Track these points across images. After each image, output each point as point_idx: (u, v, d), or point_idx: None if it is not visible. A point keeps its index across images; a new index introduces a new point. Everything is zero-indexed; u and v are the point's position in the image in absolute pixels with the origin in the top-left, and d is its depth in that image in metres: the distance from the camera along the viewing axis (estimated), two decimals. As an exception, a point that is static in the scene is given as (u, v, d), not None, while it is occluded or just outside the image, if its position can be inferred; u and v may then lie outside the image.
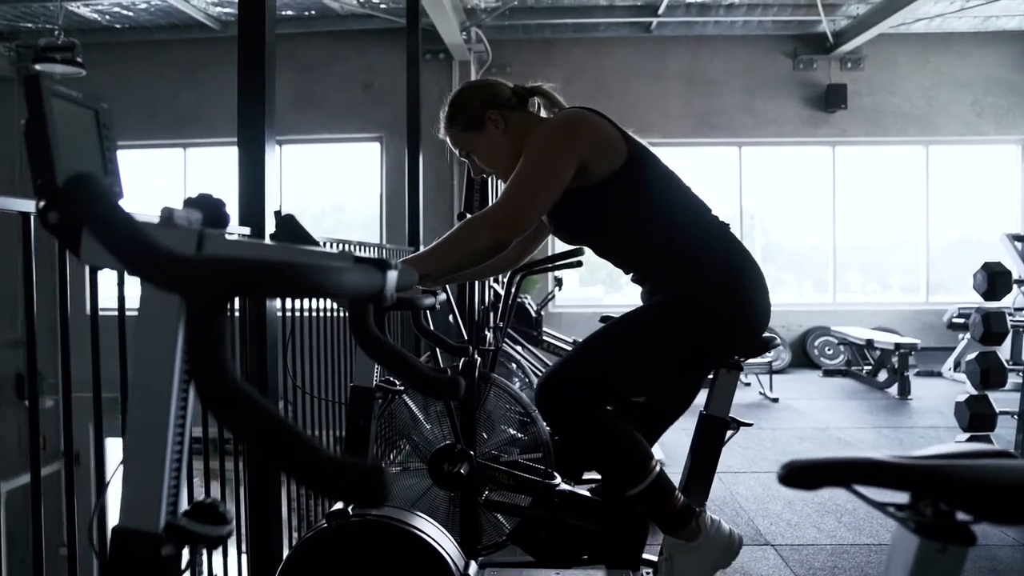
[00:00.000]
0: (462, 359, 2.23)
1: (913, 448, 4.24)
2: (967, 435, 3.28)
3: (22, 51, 7.21)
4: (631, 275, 1.80)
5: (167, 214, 0.75)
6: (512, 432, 2.64)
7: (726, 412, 1.68)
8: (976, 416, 3.29)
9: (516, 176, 1.61)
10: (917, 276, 8.18)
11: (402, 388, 1.76)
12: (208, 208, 0.82)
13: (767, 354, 1.66)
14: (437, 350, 2.86)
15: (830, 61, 7.76)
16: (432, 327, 2.19)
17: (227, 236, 0.78)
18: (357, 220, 8.20)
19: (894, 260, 8.41)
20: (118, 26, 7.30)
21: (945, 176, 8.01)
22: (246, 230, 2.04)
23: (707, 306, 1.63)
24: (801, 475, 0.73)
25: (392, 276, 0.74)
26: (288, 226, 0.97)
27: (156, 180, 8.10)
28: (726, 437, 1.70)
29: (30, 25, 6.83)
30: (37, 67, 4.92)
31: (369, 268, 0.71)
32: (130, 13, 6.96)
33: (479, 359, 2.47)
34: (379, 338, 0.95)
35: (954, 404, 3.63)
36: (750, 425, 1.71)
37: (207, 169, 8.04)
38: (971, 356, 3.50)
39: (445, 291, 2.82)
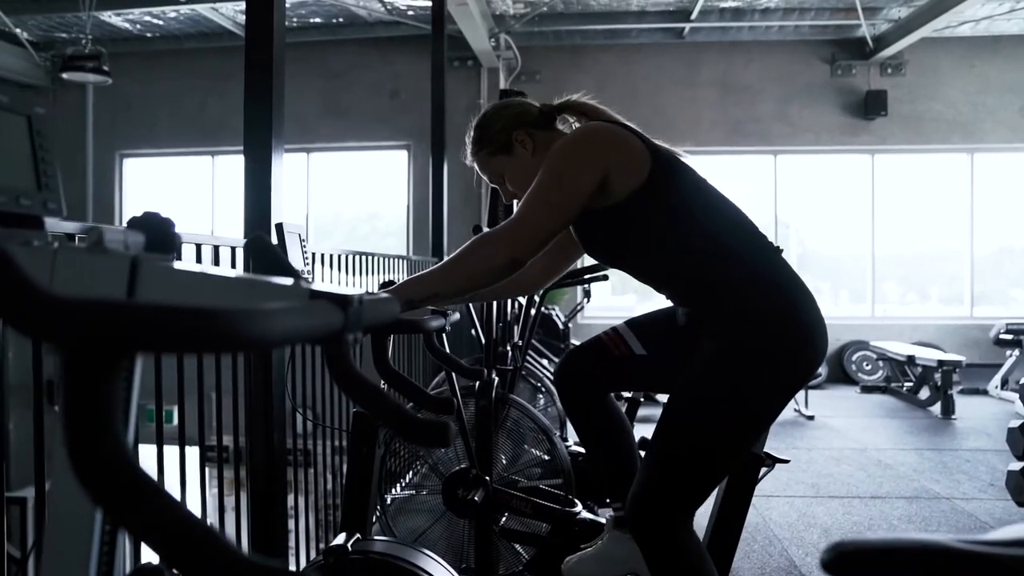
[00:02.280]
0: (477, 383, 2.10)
1: (958, 472, 4.01)
2: (1021, 464, 3.07)
3: (57, 61, 7.30)
4: (671, 298, 1.65)
5: (96, 237, 0.64)
6: (532, 455, 2.51)
7: (760, 446, 1.53)
8: (1033, 444, 3.07)
9: (532, 190, 1.49)
10: (958, 287, 7.88)
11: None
12: (152, 230, 0.71)
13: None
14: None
15: (869, 67, 7.52)
16: (449, 346, 2.07)
17: (175, 264, 0.67)
18: (392, 227, 8.16)
19: (934, 271, 8.12)
20: (148, 35, 7.37)
21: (990, 184, 7.71)
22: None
23: (769, 351, 1.44)
24: (852, 562, 0.59)
25: (356, 313, 0.62)
26: (259, 250, 0.86)
27: (185, 188, 8.15)
28: (760, 475, 1.54)
29: (64, 35, 6.91)
30: (64, 76, 4.94)
31: (323, 307, 0.59)
32: (160, 22, 7.01)
33: (497, 379, 2.35)
34: (358, 377, 0.83)
35: (1006, 429, 3.41)
36: (787, 462, 1.56)
37: (235, 177, 8.06)
38: (1025, 378, 3.28)
39: (467, 307, 2.72)
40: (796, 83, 7.63)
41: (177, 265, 0.67)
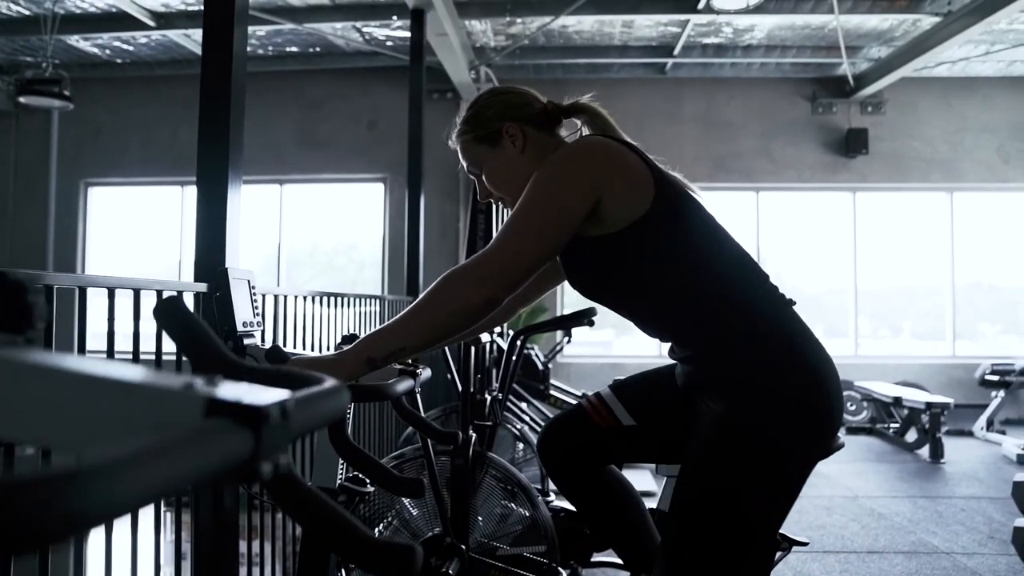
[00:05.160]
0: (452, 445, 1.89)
1: (955, 523, 3.83)
2: (1028, 520, 2.91)
3: (19, 85, 7.07)
4: (668, 343, 1.44)
5: None
6: (512, 518, 2.30)
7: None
8: (1040, 500, 2.90)
9: (515, 214, 1.28)
10: (934, 324, 7.84)
11: (372, 489, 1.43)
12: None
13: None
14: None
15: (850, 105, 7.53)
16: (423, 392, 1.87)
17: (20, 354, 0.47)
18: (369, 259, 7.95)
19: (915, 309, 8.06)
20: (118, 61, 7.16)
21: (969, 223, 7.72)
22: (202, 287, 1.74)
23: (786, 421, 1.25)
24: None
25: (276, 431, 0.43)
26: (168, 318, 0.66)
27: (153, 219, 7.89)
28: (775, 558, 1.35)
29: (29, 59, 6.68)
30: (22, 100, 4.71)
31: (219, 432, 0.40)
32: (129, 48, 6.81)
33: (475, 436, 2.14)
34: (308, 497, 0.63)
35: (1012, 483, 3.25)
36: (805, 544, 1.37)
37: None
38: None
39: (443, 350, 2.52)
40: (778, 120, 7.61)
41: (24, 354, 0.47)
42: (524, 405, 4.33)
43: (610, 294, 1.42)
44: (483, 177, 1.51)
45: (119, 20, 6.03)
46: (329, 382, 0.57)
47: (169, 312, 0.66)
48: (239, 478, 0.42)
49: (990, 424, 6.35)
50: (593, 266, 1.37)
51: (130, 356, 1.55)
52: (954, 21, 5.81)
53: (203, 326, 0.67)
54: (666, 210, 1.31)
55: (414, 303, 1.27)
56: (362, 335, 1.29)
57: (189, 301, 1.77)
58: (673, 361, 1.49)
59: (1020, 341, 7.79)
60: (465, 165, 1.54)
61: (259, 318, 1.55)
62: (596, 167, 1.30)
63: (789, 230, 7.84)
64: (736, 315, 1.31)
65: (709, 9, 5.82)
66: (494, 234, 2.86)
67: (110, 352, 1.47)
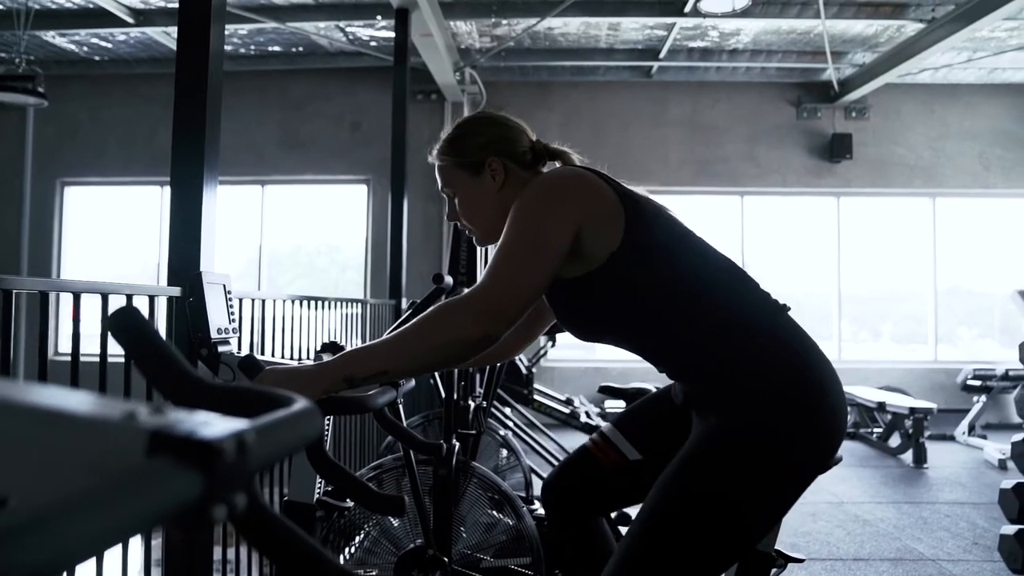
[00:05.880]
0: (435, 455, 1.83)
1: (940, 529, 3.81)
2: (1016, 528, 2.89)
3: (-6, 82, 6.92)
4: (667, 372, 1.38)
5: None
6: (496, 529, 2.24)
7: (772, 545, 1.30)
8: (1028, 508, 2.88)
9: (504, 249, 1.23)
10: (913, 328, 7.89)
11: (351, 504, 1.37)
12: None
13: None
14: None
15: (835, 110, 7.55)
16: (405, 399, 1.82)
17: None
18: (352, 261, 7.85)
19: (891, 311, 8.10)
20: (96, 58, 7.03)
21: (948, 228, 7.77)
22: (176, 291, 1.67)
23: (784, 430, 1.19)
24: None
25: (231, 469, 0.37)
26: (123, 331, 0.60)
27: (131, 219, 7.76)
28: (770, 575, 1.31)
29: (2, 55, 6.54)
30: (-6, 96, 4.61)
31: (165, 473, 0.34)
32: (108, 45, 6.68)
33: (458, 445, 2.09)
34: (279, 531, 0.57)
35: (998, 490, 3.24)
36: (801, 561, 1.32)
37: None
38: (1018, 438, 3.12)
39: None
40: (763, 124, 7.61)
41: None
42: (508, 410, 4.28)
43: (607, 333, 1.37)
44: (455, 201, 1.46)
45: (97, 16, 5.91)
46: (299, 404, 0.51)
47: (122, 323, 0.59)
48: (186, 525, 0.36)
49: (971, 429, 6.38)
50: (581, 309, 1.33)
51: (98, 361, 1.48)
52: (938, 28, 5.84)
53: (160, 339, 0.61)
54: (639, 239, 1.27)
55: (404, 327, 1.21)
56: (342, 341, 1.23)
57: (162, 306, 1.70)
58: (670, 381, 1.44)
59: (996, 345, 7.85)
60: (439, 184, 1.49)
61: (235, 324, 1.49)
62: (573, 199, 1.27)
63: (774, 234, 7.84)
64: (731, 332, 1.26)
65: (696, 13, 5.81)
66: (477, 255, 2.76)
67: (75, 360, 1.40)
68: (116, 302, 1.50)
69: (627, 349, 1.38)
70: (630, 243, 1.25)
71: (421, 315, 1.20)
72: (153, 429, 0.37)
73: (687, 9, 5.76)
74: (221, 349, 1.38)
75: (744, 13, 5.80)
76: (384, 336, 1.21)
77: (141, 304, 1.60)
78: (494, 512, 2.23)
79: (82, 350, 1.46)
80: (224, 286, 1.46)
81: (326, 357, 1.25)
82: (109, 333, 0.60)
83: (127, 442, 0.37)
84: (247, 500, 0.47)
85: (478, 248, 2.72)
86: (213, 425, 0.39)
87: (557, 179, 1.31)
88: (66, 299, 1.46)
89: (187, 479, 0.35)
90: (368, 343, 1.22)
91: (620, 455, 1.48)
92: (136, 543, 1.78)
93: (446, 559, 1.96)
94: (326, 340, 1.60)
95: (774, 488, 1.19)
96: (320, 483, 1.34)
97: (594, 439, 1.53)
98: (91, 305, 1.45)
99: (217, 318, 1.41)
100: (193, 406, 0.59)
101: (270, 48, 6.89)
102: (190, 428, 0.37)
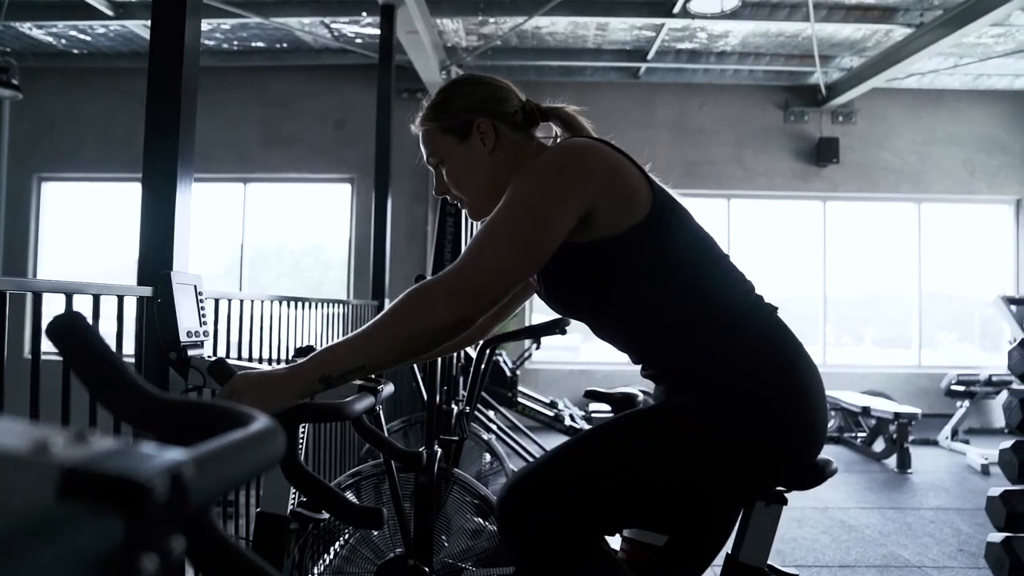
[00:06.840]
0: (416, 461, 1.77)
1: (925, 535, 3.79)
2: (1002, 536, 2.87)
3: (-30, 75, 6.76)
4: (643, 366, 1.33)
5: None
6: (479, 537, 2.18)
7: (763, 559, 1.25)
8: (1017, 516, 2.86)
9: (493, 224, 1.14)
10: (896, 332, 7.92)
11: (327, 516, 1.31)
12: None
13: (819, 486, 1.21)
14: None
15: (822, 114, 7.56)
16: (386, 403, 1.75)
17: None
18: (336, 260, 7.75)
19: (874, 315, 8.12)
20: (75, 51, 6.89)
21: (932, 233, 7.80)
22: (147, 291, 1.60)
23: (755, 409, 1.18)
24: None
25: (163, 511, 0.31)
26: (64, 339, 0.53)
27: (110, 216, 7.62)
28: (761, 591, 1.26)
29: (-20, 47, 6.41)
30: (-33, 89, 4.48)
31: (78, 520, 0.28)
32: (87, 38, 6.55)
33: (440, 452, 2.02)
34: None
35: (986, 499, 3.22)
36: (793, 578, 1.28)
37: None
38: (1006, 445, 3.10)
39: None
40: (750, 127, 7.60)
41: None
42: (492, 413, 4.22)
43: (587, 305, 1.31)
44: (443, 171, 1.37)
45: (75, 8, 5.78)
46: (258, 423, 0.45)
47: (63, 331, 0.53)
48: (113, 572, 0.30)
49: (954, 434, 6.40)
50: (574, 274, 1.25)
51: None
52: (926, 33, 5.84)
53: (106, 348, 0.54)
54: (663, 220, 1.23)
55: (378, 316, 1.14)
56: (324, 343, 1.17)
57: (131, 306, 1.63)
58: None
59: (976, 350, 7.89)
60: (425, 155, 1.39)
61: (207, 327, 1.42)
62: (589, 174, 1.19)
63: (760, 238, 7.84)
64: (722, 325, 1.24)
65: (685, 14, 5.78)
66: (463, 240, 2.67)
67: (35, 365, 1.32)
68: (82, 303, 1.43)
69: (602, 329, 1.33)
70: (652, 222, 1.22)
71: (395, 301, 1.12)
72: (67, 465, 0.31)
73: (676, 10, 5.73)
74: (191, 353, 1.31)
75: (733, 15, 5.77)
76: (358, 329, 1.13)
77: (109, 305, 1.53)
78: (477, 519, 2.17)
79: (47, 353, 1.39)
80: (195, 287, 1.39)
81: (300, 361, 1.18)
82: (48, 339, 0.54)
83: (37, 482, 0.31)
84: (193, 538, 0.41)
85: (461, 235, 2.66)
86: (144, 457, 0.33)
87: (573, 150, 1.23)
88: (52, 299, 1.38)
89: (104, 527, 0.29)
90: (341, 339, 1.14)
91: (651, 548, 1.35)
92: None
93: (427, 568, 1.90)
94: (305, 343, 1.53)
95: (735, 474, 1.20)
96: (295, 493, 1.27)
97: (623, 548, 1.37)
98: (56, 307, 1.37)
99: (187, 320, 1.34)
100: (140, 423, 0.53)
101: (254, 44, 6.79)
102: (112, 463, 0.31)
